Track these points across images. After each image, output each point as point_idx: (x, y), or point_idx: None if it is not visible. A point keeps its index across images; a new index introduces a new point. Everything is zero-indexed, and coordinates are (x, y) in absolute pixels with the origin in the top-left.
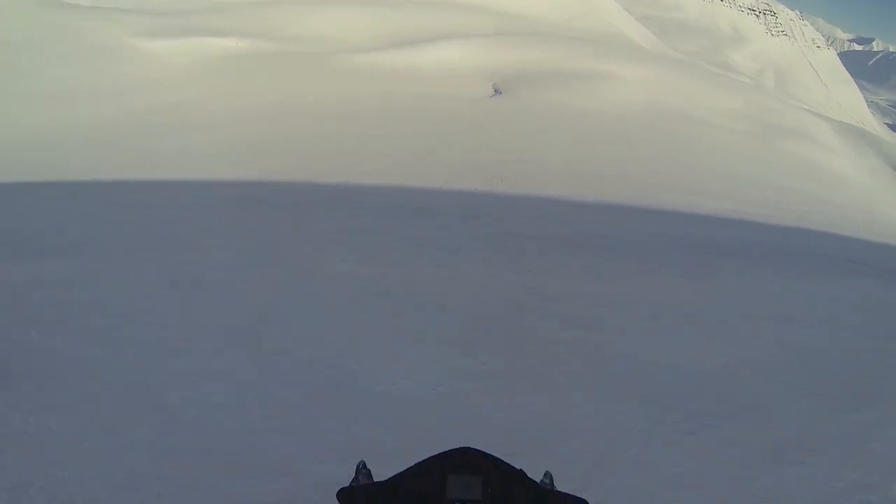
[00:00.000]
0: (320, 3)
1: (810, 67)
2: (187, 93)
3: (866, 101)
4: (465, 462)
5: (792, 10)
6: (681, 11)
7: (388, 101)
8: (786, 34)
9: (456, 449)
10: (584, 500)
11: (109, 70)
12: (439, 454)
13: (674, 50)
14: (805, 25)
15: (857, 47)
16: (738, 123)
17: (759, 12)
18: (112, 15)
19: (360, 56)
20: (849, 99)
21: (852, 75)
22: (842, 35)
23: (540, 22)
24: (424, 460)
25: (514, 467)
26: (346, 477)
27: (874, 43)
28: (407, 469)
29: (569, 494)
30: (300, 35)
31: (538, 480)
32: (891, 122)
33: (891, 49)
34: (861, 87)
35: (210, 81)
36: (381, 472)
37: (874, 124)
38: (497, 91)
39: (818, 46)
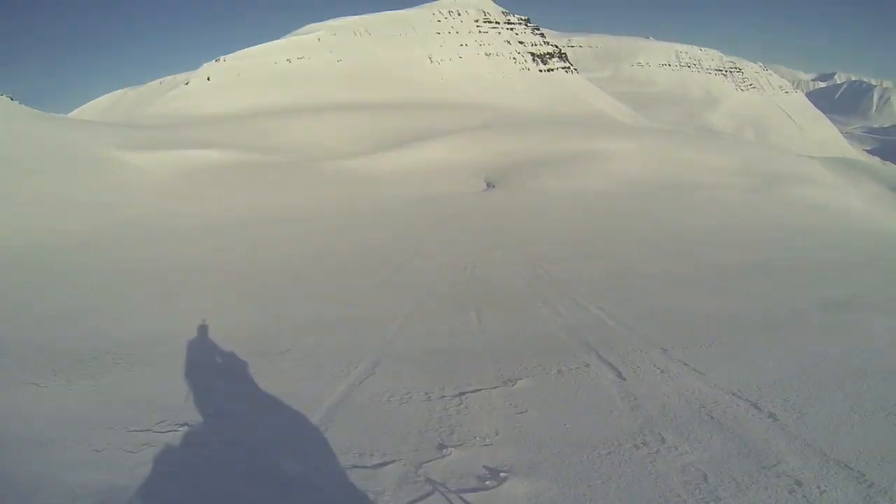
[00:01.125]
0: (295, 114)
1: (783, 113)
2: (165, 204)
3: (842, 133)
4: None
5: (755, 62)
6: (653, 85)
7: (375, 205)
8: (754, 87)
9: None
10: None
11: (90, 182)
12: None
13: (654, 122)
14: (770, 75)
15: (822, 84)
16: (737, 179)
17: (726, 71)
18: (94, 128)
19: (345, 161)
20: (825, 135)
21: (823, 111)
22: (805, 76)
23: (525, 113)
24: None
25: None
26: None
27: (836, 76)
28: None
29: None
30: (282, 144)
31: None
32: (869, 149)
33: (853, 78)
34: (834, 121)
35: (188, 191)
36: None
37: (855, 154)
38: (489, 185)
39: (786, 92)
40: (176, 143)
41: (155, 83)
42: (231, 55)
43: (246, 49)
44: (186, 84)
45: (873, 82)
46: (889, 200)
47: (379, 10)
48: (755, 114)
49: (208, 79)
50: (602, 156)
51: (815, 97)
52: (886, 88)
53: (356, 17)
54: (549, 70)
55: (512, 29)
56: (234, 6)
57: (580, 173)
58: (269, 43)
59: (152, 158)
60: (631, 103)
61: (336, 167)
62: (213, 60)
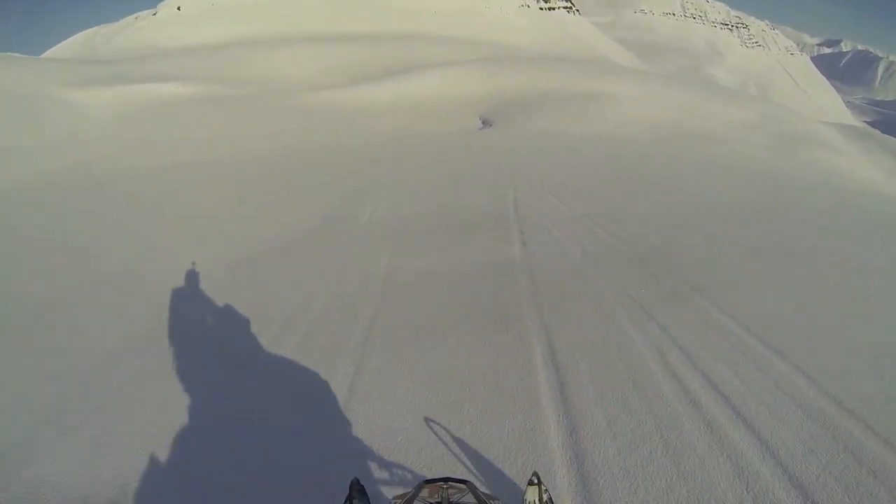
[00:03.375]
0: (278, 43)
1: (787, 75)
2: (110, 148)
3: (843, 101)
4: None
5: (761, 20)
6: (655, 32)
7: (354, 142)
8: (759, 44)
9: (442, 478)
10: None
11: (31, 124)
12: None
13: (657, 70)
14: (776, 34)
15: (827, 50)
16: (756, 135)
17: (732, 26)
18: (38, 64)
19: (323, 93)
20: (827, 102)
21: (826, 77)
22: (810, 40)
23: (519, 49)
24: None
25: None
26: None
27: (842, 44)
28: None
29: None
30: (255, 76)
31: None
32: (869, 120)
33: (859, 48)
34: (836, 89)
35: (141, 131)
36: None
37: (854, 123)
38: (485, 123)
39: (791, 53)
40: (129, 77)
41: (130, 18)
42: None
43: None
44: (154, 14)
45: (880, 54)
46: None
47: None
48: (759, 72)
49: (178, 8)
50: (609, 99)
51: (819, 62)
52: (893, 62)
53: None
54: (550, 8)
55: None
56: None
57: (587, 116)
58: None
59: (97, 95)
60: (632, 50)
61: (317, 99)
62: None
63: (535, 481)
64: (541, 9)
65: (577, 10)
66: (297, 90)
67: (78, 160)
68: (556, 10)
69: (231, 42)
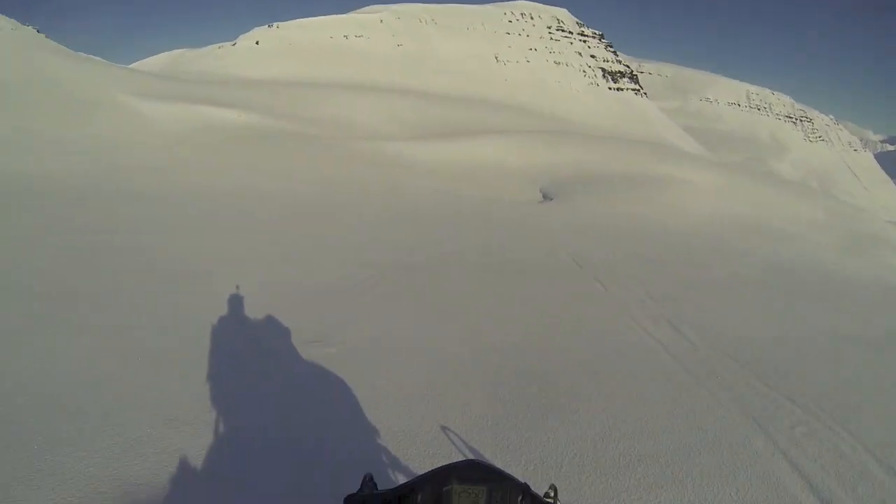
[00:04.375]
0: (346, 89)
1: (849, 171)
2: (161, 160)
3: None
4: (471, 474)
5: (825, 115)
6: (722, 122)
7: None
8: (823, 139)
9: (463, 461)
10: None
11: (91, 127)
12: (447, 465)
13: (721, 159)
14: (840, 129)
15: (890, 147)
16: (825, 235)
17: (796, 119)
18: (106, 69)
19: (383, 143)
20: (890, 199)
21: (890, 175)
22: (873, 137)
23: (589, 128)
24: (433, 470)
25: (518, 480)
26: None
27: None
28: (416, 478)
29: None
30: (318, 117)
31: (542, 493)
32: None
33: None
34: None
35: (185, 154)
36: None
37: None
38: (546, 196)
39: (854, 149)
40: (196, 98)
41: (213, 46)
42: (285, 23)
43: (301, 19)
44: (234, 45)
45: None
46: None
47: (448, 1)
48: (822, 167)
49: (257, 42)
50: (677, 184)
51: (882, 159)
52: None
53: (423, 5)
54: (618, 89)
55: (585, 41)
56: None
57: (654, 200)
58: (327, 16)
59: (162, 109)
60: (697, 138)
61: (371, 148)
62: (266, 26)
63: (552, 495)
64: (609, 88)
65: (645, 94)
66: (356, 136)
67: (123, 165)
68: (625, 90)
69: (301, 81)
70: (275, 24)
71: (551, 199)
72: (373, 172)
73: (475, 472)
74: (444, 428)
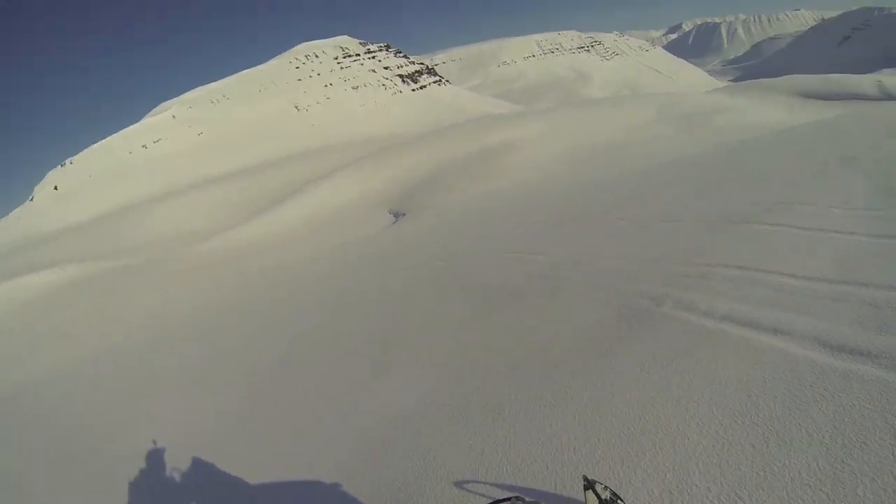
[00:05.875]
0: (157, 201)
1: (650, 69)
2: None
3: (706, 72)
4: None
5: (610, 32)
6: (525, 77)
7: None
8: (617, 54)
9: (507, 498)
10: None
11: None
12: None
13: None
14: (628, 39)
15: (673, 36)
16: (658, 129)
17: (588, 47)
18: None
19: (207, 243)
20: (693, 78)
21: (683, 58)
22: (656, 33)
23: (411, 135)
24: None
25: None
26: None
27: (683, 25)
28: None
29: None
30: (137, 243)
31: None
32: (732, 78)
33: (698, 22)
34: (696, 64)
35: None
36: None
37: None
38: (397, 215)
39: (646, 51)
40: (11, 272)
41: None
42: (79, 154)
43: (96, 144)
44: (31, 200)
45: (717, 20)
46: (802, 105)
47: (231, 73)
48: (626, 77)
49: (55, 188)
50: (511, 147)
51: (670, 48)
52: (731, 22)
53: (209, 86)
54: (421, 87)
55: (374, 57)
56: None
57: (498, 170)
58: (120, 132)
59: None
60: (509, 100)
61: (208, 248)
62: (59, 166)
63: (588, 485)
64: (413, 90)
65: (448, 81)
66: (194, 241)
67: None
68: (428, 86)
69: (113, 211)
70: (67, 161)
71: (404, 216)
72: (202, 280)
73: None
74: None
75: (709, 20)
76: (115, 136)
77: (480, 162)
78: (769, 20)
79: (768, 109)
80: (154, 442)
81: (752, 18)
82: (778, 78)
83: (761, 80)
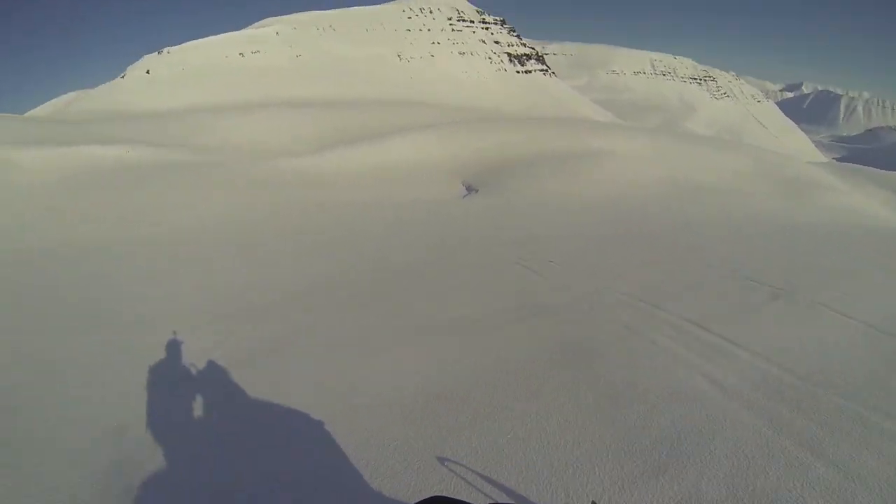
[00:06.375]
0: (245, 110)
1: (756, 121)
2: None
3: (812, 141)
4: None
5: (727, 71)
6: (631, 91)
7: (325, 217)
8: (727, 95)
9: (427, 499)
10: None
11: None
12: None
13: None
14: (742, 84)
15: (789, 94)
16: (758, 185)
17: (701, 80)
18: None
19: (290, 160)
20: (797, 143)
21: (793, 120)
22: (773, 87)
23: (503, 114)
24: None
25: None
26: None
27: (804, 86)
28: None
29: None
30: (218, 143)
31: None
32: (838, 157)
33: (819, 88)
34: (803, 130)
35: (78, 199)
36: None
37: (825, 161)
38: (470, 189)
39: (758, 101)
40: (76, 139)
41: (107, 84)
42: (176, 47)
43: (194, 41)
44: (122, 77)
45: (839, 91)
46: None
47: (345, 6)
48: (731, 121)
49: (147, 72)
50: (605, 156)
51: (783, 107)
52: (853, 98)
53: (319, 13)
54: (526, 72)
55: (487, 28)
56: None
57: (584, 176)
58: (220, 35)
59: (41, 157)
60: (609, 109)
61: (277, 167)
62: (156, 52)
63: None
64: (517, 72)
65: (554, 73)
66: (263, 157)
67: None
68: (533, 72)
69: (197, 107)
70: (165, 50)
71: (476, 191)
72: (282, 194)
73: None
74: None
75: (830, 90)
76: (215, 37)
77: (574, 162)
78: (893, 108)
79: (874, 202)
80: None
81: (875, 101)
82: (889, 171)
83: (868, 168)
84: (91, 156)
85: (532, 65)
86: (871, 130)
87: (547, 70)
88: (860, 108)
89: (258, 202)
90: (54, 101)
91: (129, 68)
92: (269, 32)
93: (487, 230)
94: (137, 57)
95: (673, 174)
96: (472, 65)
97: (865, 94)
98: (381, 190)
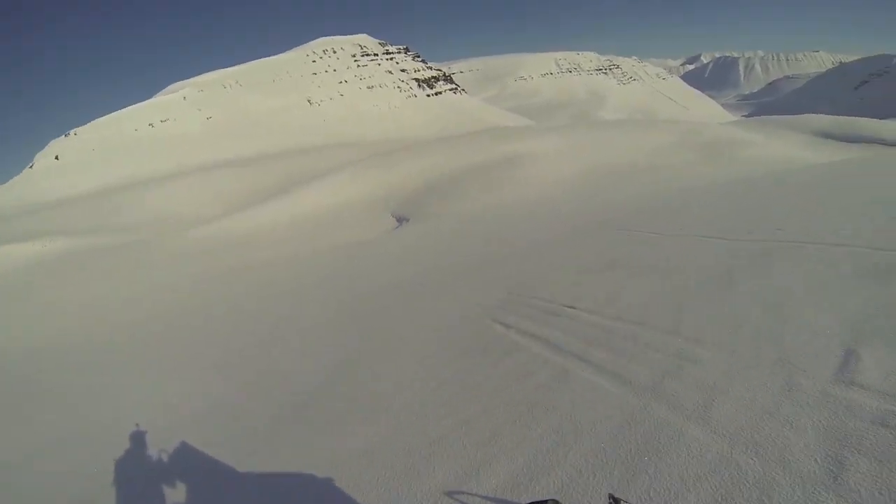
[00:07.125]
0: (161, 181)
1: (665, 97)
2: None
3: (720, 105)
4: None
5: (629, 57)
6: (540, 94)
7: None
8: (634, 79)
9: (545, 500)
10: None
11: None
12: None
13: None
14: (646, 66)
15: (690, 67)
16: (680, 155)
17: (606, 70)
18: None
19: (206, 227)
20: (707, 109)
21: (699, 89)
22: (673, 63)
23: (417, 138)
24: None
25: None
26: None
27: (702, 57)
28: None
29: None
30: (134, 221)
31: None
32: (746, 114)
33: (717, 55)
34: (710, 96)
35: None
36: None
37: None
38: (401, 219)
39: (662, 78)
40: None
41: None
42: (84, 127)
43: (102, 118)
44: (31, 167)
45: (736, 55)
46: (822, 145)
47: (248, 60)
48: (641, 102)
49: (56, 157)
50: (527, 158)
51: (687, 79)
52: (749, 58)
53: (224, 70)
54: (437, 93)
55: (392, 58)
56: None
57: (511, 182)
58: (128, 108)
59: None
60: (524, 115)
61: (195, 236)
62: (63, 136)
63: (613, 502)
64: (427, 95)
65: (463, 90)
66: (172, 230)
67: None
68: (443, 93)
69: (111, 187)
70: (72, 132)
71: (407, 221)
72: (197, 266)
73: None
74: None
75: (727, 54)
76: (122, 111)
77: (493, 172)
78: (787, 59)
79: (789, 146)
80: None
81: (770, 56)
82: (794, 115)
83: (775, 116)
84: (8, 255)
85: (441, 86)
86: (771, 84)
87: (456, 88)
88: (758, 66)
89: (178, 282)
90: None
91: (38, 156)
92: (177, 98)
93: (427, 260)
94: (44, 143)
95: (591, 163)
96: (382, 97)
97: (760, 52)
98: (300, 241)
